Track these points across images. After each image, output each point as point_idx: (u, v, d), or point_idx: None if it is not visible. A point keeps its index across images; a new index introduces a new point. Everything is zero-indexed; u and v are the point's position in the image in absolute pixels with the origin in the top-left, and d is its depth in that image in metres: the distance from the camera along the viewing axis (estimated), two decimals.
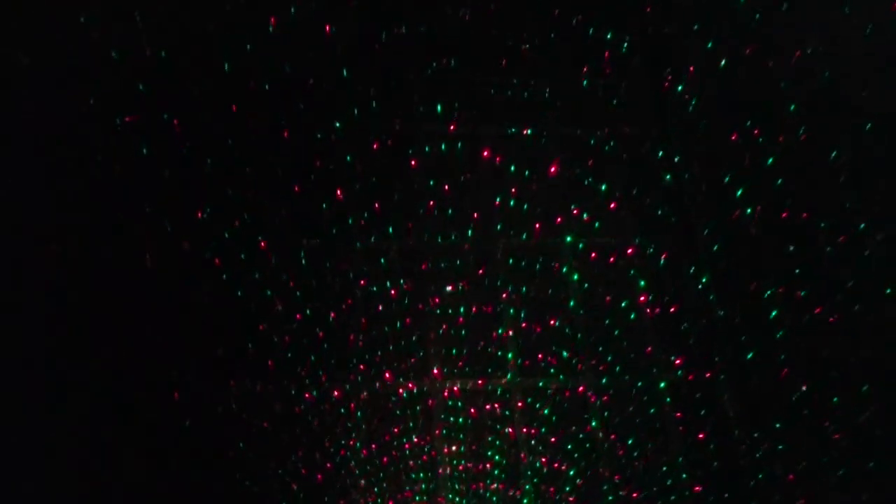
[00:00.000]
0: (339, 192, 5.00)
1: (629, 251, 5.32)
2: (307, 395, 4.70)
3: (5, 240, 4.04)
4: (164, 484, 4.12)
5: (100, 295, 4.21)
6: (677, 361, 5.08)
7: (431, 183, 5.19)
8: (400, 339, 4.95)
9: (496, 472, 4.81)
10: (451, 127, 5.25)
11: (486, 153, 5.28)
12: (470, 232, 5.21)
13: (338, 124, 5.04)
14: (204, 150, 4.68)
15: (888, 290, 4.51)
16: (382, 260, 5.07)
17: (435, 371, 4.94)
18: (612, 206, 5.30)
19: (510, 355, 5.03)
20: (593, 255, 5.28)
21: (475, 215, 5.23)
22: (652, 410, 4.99)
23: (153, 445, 4.16)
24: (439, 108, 5.22)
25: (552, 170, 5.32)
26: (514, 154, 5.33)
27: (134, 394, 4.19)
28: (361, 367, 4.84)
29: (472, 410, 4.92)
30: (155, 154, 4.53)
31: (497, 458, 4.83)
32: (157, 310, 4.36)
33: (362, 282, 4.99)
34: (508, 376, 5.00)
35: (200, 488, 4.23)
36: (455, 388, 4.93)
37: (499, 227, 5.25)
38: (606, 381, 5.03)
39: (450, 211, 5.19)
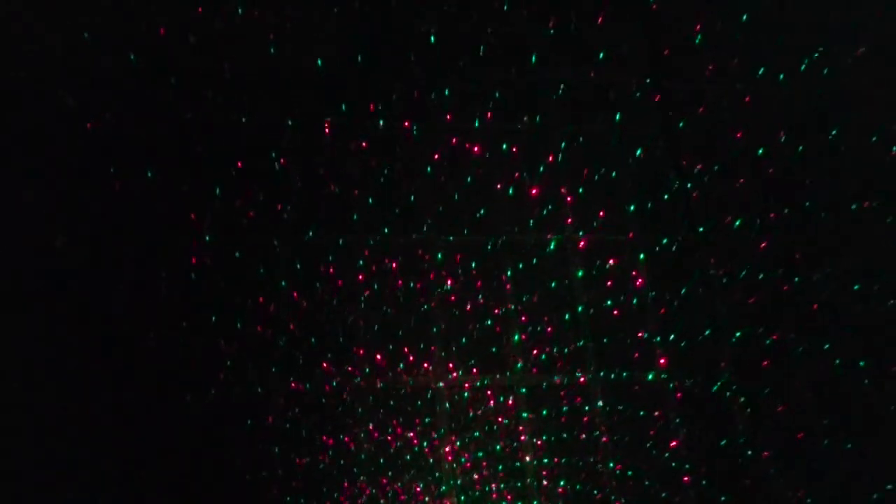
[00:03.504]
0: (340, 189, 5.02)
1: (632, 249, 5.34)
2: (305, 391, 4.71)
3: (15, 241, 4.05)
4: (169, 480, 4.13)
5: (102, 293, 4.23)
6: (678, 359, 5.11)
7: (429, 169, 5.20)
8: (403, 335, 4.97)
9: (500, 467, 4.83)
10: (455, 123, 5.26)
11: (489, 150, 5.29)
12: (468, 229, 5.24)
13: (340, 122, 5.06)
14: (205, 150, 4.68)
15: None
16: (386, 256, 5.08)
17: (429, 366, 4.95)
18: (616, 203, 5.33)
19: (515, 338, 5.06)
20: (597, 252, 5.30)
21: (479, 212, 5.25)
22: (651, 407, 5.02)
23: (156, 444, 4.17)
24: (441, 105, 5.23)
25: (555, 167, 5.35)
26: (518, 150, 5.34)
27: (139, 391, 4.19)
28: (364, 363, 4.85)
29: (476, 405, 4.95)
30: (157, 154, 4.53)
31: (498, 449, 4.86)
32: (159, 307, 4.37)
33: (361, 276, 5.00)
34: (519, 365, 5.03)
35: (204, 483, 4.24)
36: (459, 384, 4.95)
37: (502, 223, 5.28)
38: (607, 376, 5.05)
39: (453, 208, 5.22)
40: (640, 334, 5.15)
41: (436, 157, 5.20)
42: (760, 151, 4.91)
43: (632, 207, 5.33)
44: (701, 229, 5.23)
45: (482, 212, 5.23)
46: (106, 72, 4.43)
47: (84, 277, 4.22)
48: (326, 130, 5.04)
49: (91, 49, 4.34)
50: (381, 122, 5.13)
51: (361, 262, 5.01)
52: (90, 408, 4.03)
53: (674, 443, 4.91)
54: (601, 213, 5.31)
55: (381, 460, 4.72)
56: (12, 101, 4.07)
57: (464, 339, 5.04)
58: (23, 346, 4.02)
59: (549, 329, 5.12)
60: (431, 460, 4.78)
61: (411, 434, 4.82)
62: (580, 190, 5.33)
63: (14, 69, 4.09)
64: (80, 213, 4.33)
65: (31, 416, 3.97)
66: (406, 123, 5.18)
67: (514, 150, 5.33)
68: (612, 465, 4.85)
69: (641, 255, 5.31)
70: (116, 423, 4.09)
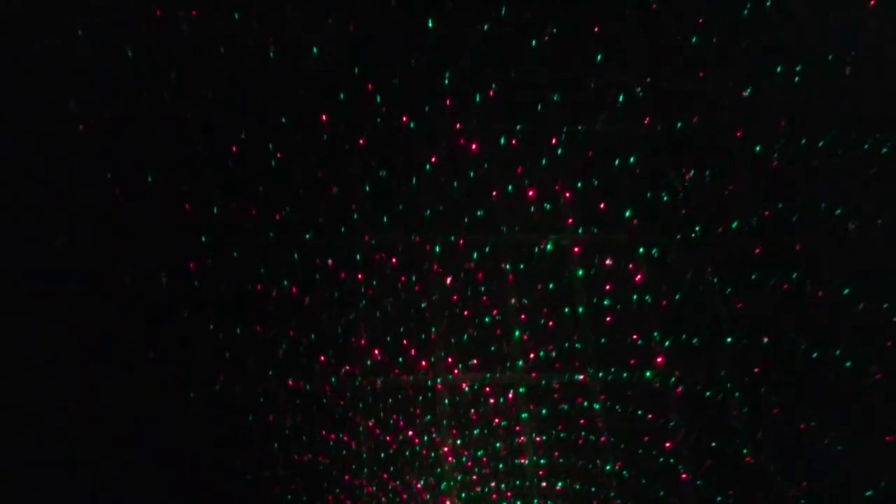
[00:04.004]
0: (343, 188, 5.02)
1: (632, 248, 5.34)
2: (305, 389, 4.73)
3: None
4: (169, 480, 4.14)
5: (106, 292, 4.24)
6: (678, 359, 5.12)
7: (429, 169, 5.20)
8: (403, 334, 4.98)
9: (500, 465, 4.85)
10: (457, 123, 5.26)
11: (488, 149, 5.29)
12: (468, 228, 5.24)
13: (340, 121, 5.06)
14: (209, 149, 4.69)
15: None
16: (386, 254, 5.09)
17: (429, 365, 4.97)
18: (616, 203, 5.33)
19: (516, 334, 5.07)
20: (596, 252, 5.30)
21: (479, 211, 5.26)
22: (651, 407, 5.03)
23: (156, 443, 4.18)
24: (440, 105, 5.23)
25: (555, 166, 5.35)
26: (518, 150, 5.34)
27: (139, 390, 4.20)
28: (364, 361, 4.86)
29: (476, 404, 4.96)
30: (157, 154, 4.54)
31: (498, 448, 4.87)
32: (160, 307, 4.38)
33: (361, 275, 5.01)
34: (519, 364, 5.03)
35: (205, 483, 4.26)
36: (459, 382, 4.97)
37: (503, 222, 5.28)
38: (606, 375, 5.06)
39: (453, 207, 5.22)
40: (639, 334, 5.16)
41: (435, 156, 5.20)
42: (758, 149, 4.92)
43: (631, 208, 5.34)
44: (698, 228, 5.23)
45: (482, 211, 5.24)
46: (106, 72, 4.44)
47: (84, 277, 4.22)
48: (326, 130, 5.04)
49: (91, 49, 4.34)
50: (381, 122, 5.13)
51: (361, 260, 5.02)
52: (90, 408, 4.04)
53: (673, 443, 4.92)
54: (601, 213, 5.31)
55: (382, 458, 4.73)
56: (12, 101, 4.08)
57: (464, 338, 5.05)
58: (23, 346, 4.02)
59: (548, 328, 5.13)
60: (432, 457, 4.79)
61: (411, 432, 4.83)
62: (579, 189, 5.34)
63: (14, 69, 4.09)
64: (80, 213, 4.33)
65: (31, 416, 3.97)
66: (405, 122, 5.18)
67: (514, 149, 5.33)
68: (611, 465, 4.87)
69: (641, 254, 5.32)
70: (117, 423, 4.10)
